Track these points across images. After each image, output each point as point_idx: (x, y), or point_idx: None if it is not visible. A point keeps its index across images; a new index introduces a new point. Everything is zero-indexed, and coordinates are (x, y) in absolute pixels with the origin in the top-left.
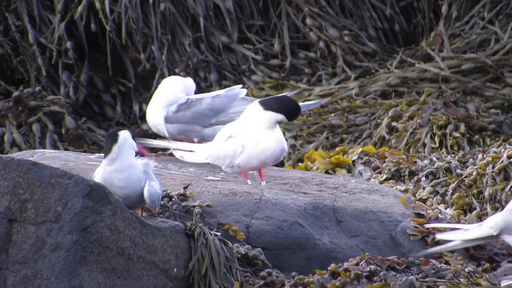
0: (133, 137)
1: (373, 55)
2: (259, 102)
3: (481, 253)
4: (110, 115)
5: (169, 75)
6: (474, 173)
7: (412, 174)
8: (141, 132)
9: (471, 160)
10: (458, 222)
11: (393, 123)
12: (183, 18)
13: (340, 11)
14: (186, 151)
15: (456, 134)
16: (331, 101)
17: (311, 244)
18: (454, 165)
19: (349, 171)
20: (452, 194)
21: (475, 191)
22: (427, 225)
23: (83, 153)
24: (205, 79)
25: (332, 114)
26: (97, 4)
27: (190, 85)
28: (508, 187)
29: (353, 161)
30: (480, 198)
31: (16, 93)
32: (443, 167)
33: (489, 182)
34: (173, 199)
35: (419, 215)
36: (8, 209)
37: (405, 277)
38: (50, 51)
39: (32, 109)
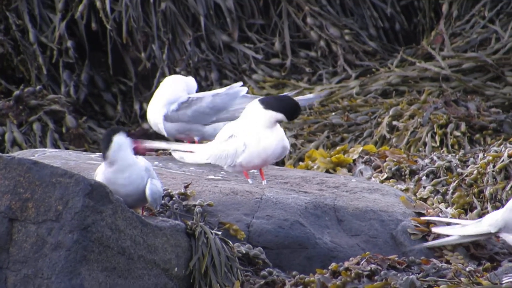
0: (129, 135)
1: (373, 54)
2: (259, 100)
3: (482, 252)
4: (111, 114)
5: (170, 74)
6: (475, 172)
7: (412, 173)
8: (142, 131)
9: (471, 159)
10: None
11: (394, 122)
12: (183, 17)
13: (340, 10)
14: (186, 152)
15: (457, 133)
16: (331, 100)
17: (311, 243)
18: (455, 164)
19: (349, 170)
20: (452, 193)
21: (475, 190)
22: (425, 218)
23: (84, 152)
24: (205, 78)
25: (333, 113)
26: (98, 3)
27: (191, 84)
28: (509, 186)
29: (354, 160)
30: (480, 197)
31: (16, 92)
32: (444, 166)
33: (489, 181)
34: (174, 198)
35: (419, 214)
36: (9, 208)
37: (406, 276)
38: (50, 50)
39: (33, 108)
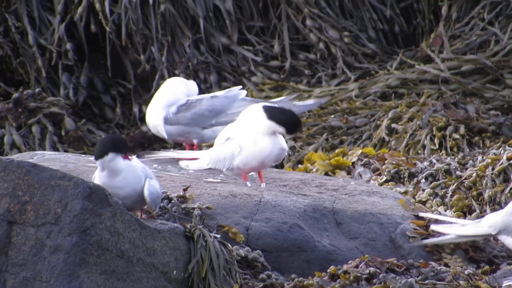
0: (124, 145)
1: (373, 56)
2: (263, 108)
3: (481, 255)
4: (110, 117)
5: (169, 76)
6: (474, 175)
7: (411, 176)
8: (141, 134)
9: (470, 161)
10: None
11: (393, 125)
12: (183, 19)
13: (340, 12)
14: (191, 159)
15: (456, 136)
16: (330, 102)
17: (310, 246)
18: (454, 167)
19: (348, 173)
20: (451, 196)
21: (474, 193)
22: (422, 214)
23: (83, 155)
24: (205, 81)
25: (332, 116)
26: (97, 5)
27: (193, 88)
28: (508, 188)
29: (353, 163)
30: (479, 200)
31: (15, 95)
32: (443, 169)
33: (488, 184)
34: (172, 201)
35: (418, 217)
36: (8, 211)
37: (404, 280)
38: (50, 52)
39: (32, 111)
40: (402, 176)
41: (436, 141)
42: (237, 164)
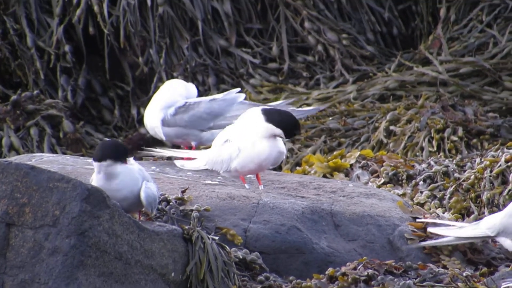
0: (123, 153)
1: (371, 58)
2: (262, 111)
3: (479, 257)
4: (108, 119)
5: (167, 78)
6: (472, 177)
7: (410, 178)
8: (139, 136)
9: (469, 164)
10: None
11: (391, 127)
12: (181, 22)
13: (338, 14)
14: (186, 159)
15: (454, 138)
16: (329, 105)
17: (308, 248)
18: (452, 169)
19: (347, 175)
20: (449, 198)
21: (473, 195)
22: (420, 221)
23: (81, 157)
24: (203, 83)
25: (330, 118)
26: (96, 8)
27: (192, 90)
28: (506, 191)
29: (351, 165)
30: (478, 202)
31: (14, 97)
32: (441, 171)
33: (487, 186)
34: (171, 203)
35: (417, 219)
36: (6, 213)
37: (402, 282)
38: (48, 55)
39: (30, 113)
40: (400, 178)
41: (434, 143)
42: (235, 166)
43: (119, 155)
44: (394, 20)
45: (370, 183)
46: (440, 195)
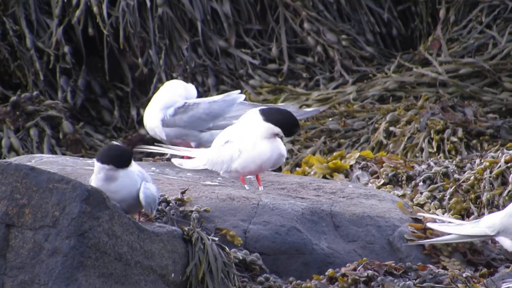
0: (127, 161)
1: (370, 59)
2: (260, 111)
3: (479, 258)
4: (108, 120)
5: (167, 79)
6: (472, 178)
7: (409, 179)
8: (139, 137)
9: (468, 165)
10: None
11: (391, 128)
12: (180, 23)
13: (337, 15)
14: (184, 157)
15: (454, 139)
16: (328, 106)
17: (308, 249)
18: (452, 170)
19: (346, 176)
20: (449, 199)
21: (472, 196)
22: (420, 214)
23: (81, 158)
24: (202, 84)
25: (330, 119)
26: (95, 9)
27: (191, 92)
28: (506, 191)
29: (351, 166)
30: (477, 203)
31: (13, 98)
32: (441, 172)
33: (486, 187)
34: (170, 204)
35: (416, 220)
36: (6, 214)
37: (402, 282)
38: (47, 56)
39: (30, 114)
40: (400, 179)
41: (434, 144)
42: (235, 167)
43: (123, 163)
44: (393, 21)
45: (370, 184)
46: (440, 196)
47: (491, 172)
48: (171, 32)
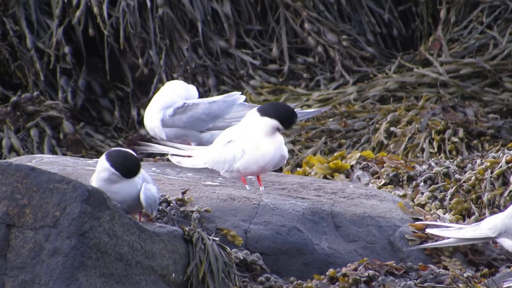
0: (133, 172)
1: (371, 60)
2: (257, 108)
3: (480, 258)
4: (108, 120)
5: (167, 80)
6: (473, 178)
7: (410, 179)
8: (139, 137)
9: (469, 165)
10: None
11: (392, 128)
12: (181, 23)
13: (338, 16)
14: (184, 156)
15: (455, 139)
16: (330, 106)
17: (309, 249)
18: (453, 170)
19: (347, 176)
20: (450, 199)
21: (473, 196)
22: (422, 222)
23: (81, 158)
24: (203, 84)
25: (331, 119)
26: (95, 9)
27: (192, 93)
28: (507, 192)
29: (352, 166)
30: (478, 203)
31: (14, 98)
32: (442, 172)
33: (487, 187)
34: (171, 204)
35: (417, 220)
36: (6, 214)
37: (403, 282)
38: (48, 56)
39: (30, 114)
40: (401, 179)
41: (435, 144)
42: (237, 167)
43: (132, 174)
44: (394, 21)
45: (370, 184)
46: (441, 196)
47: (492, 172)
48: (171, 32)
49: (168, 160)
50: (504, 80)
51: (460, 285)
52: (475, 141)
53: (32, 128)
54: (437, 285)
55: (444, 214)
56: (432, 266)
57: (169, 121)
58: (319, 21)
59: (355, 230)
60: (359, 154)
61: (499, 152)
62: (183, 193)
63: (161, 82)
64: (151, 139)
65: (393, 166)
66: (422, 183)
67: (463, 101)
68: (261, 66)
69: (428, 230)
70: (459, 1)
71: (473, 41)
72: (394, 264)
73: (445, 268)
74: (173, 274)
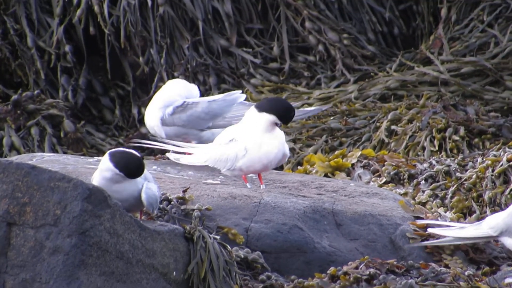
0: (137, 174)
1: (372, 58)
2: (255, 105)
3: (481, 257)
4: (109, 119)
5: (168, 78)
6: (474, 176)
7: (411, 177)
8: (140, 135)
9: (470, 163)
10: None
11: (393, 127)
12: (182, 22)
13: (339, 14)
14: (183, 153)
15: (456, 138)
16: (330, 105)
17: (310, 247)
18: (454, 169)
19: (348, 175)
20: (451, 197)
21: (474, 194)
22: (423, 221)
23: (82, 157)
24: (204, 83)
25: (331, 118)
26: (96, 8)
27: (193, 92)
28: (508, 190)
29: (353, 165)
30: (479, 201)
31: (14, 97)
32: (443, 171)
33: (488, 185)
34: (172, 203)
35: (418, 219)
36: (7, 212)
37: (404, 281)
38: (48, 55)
39: (31, 113)
40: (401, 177)
41: (436, 142)
42: (240, 166)
43: (136, 175)
44: (395, 20)
45: (371, 183)
46: (442, 194)
47: (493, 171)
48: (172, 31)
49: (168, 158)
50: (505, 79)
51: (461, 283)
52: (476, 140)
53: (33, 127)
54: (438, 284)
55: (445, 212)
56: (433, 264)
57: (168, 119)
58: (320, 20)
59: (356, 228)
60: (360, 152)
61: (500, 150)
62: (184, 191)
63: (161, 81)
64: (150, 138)
65: (394, 164)
66: (423, 182)
67: (464, 100)
68: (262, 64)
69: (430, 230)
70: (460, 0)
71: (474, 40)
72: (395, 262)
73: (446, 266)
74: (174, 273)
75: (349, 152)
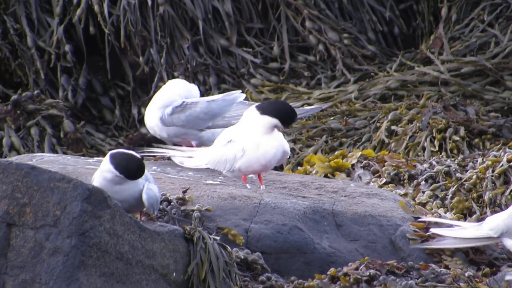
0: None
1: (372, 58)
2: (256, 106)
3: (481, 258)
4: (109, 119)
5: (168, 78)
6: (474, 177)
7: (411, 178)
8: (140, 136)
9: (470, 163)
10: None
11: (393, 127)
12: (182, 21)
13: (339, 14)
14: (185, 157)
15: (456, 138)
16: (330, 104)
17: (310, 248)
18: (454, 169)
19: (348, 175)
20: (451, 198)
21: (474, 195)
22: (423, 219)
23: (82, 157)
24: (204, 83)
25: (332, 118)
26: (96, 7)
27: (193, 92)
28: (508, 191)
29: (353, 165)
30: (480, 202)
31: (14, 97)
32: (443, 171)
33: (489, 186)
34: (172, 203)
35: (418, 219)
36: (7, 213)
37: (404, 282)
38: (48, 54)
39: (31, 113)
40: (402, 178)
41: (436, 143)
42: (239, 166)
43: (136, 177)
44: (395, 19)
45: (371, 183)
46: (442, 195)
47: (493, 171)
48: (172, 30)
49: (169, 158)
50: (506, 79)
51: (461, 284)
52: (476, 140)
53: (33, 127)
54: (438, 285)
55: (445, 213)
56: (433, 265)
57: (168, 119)
58: (320, 19)
59: (356, 229)
60: (360, 153)
61: (501, 150)
62: (184, 192)
63: (161, 81)
64: (150, 140)
65: (394, 165)
66: (423, 182)
67: (464, 100)
68: (262, 64)
69: (432, 230)
70: None
71: (474, 40)
72: (395, 263)
73: (446, 267)
74: (174, 274)
75: (349, 152)
